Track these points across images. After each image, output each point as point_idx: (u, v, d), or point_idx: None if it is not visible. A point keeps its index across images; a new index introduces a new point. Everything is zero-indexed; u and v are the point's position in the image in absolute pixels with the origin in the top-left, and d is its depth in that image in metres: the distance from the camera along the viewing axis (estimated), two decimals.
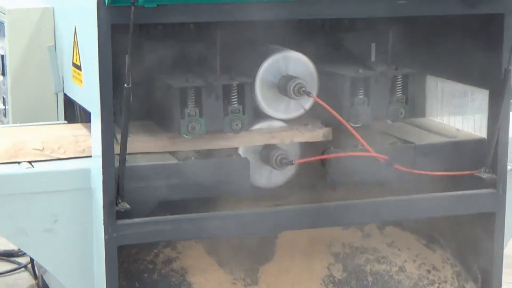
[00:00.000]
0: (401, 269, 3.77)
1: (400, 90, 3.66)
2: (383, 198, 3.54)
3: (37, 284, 5.08)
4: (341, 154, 3.47)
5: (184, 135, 3.33)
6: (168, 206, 3.27)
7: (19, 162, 3.30)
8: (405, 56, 3.92)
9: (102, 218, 3.05)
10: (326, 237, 3.88)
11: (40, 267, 4.71)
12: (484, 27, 3.50)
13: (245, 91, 3.38)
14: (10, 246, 5.53)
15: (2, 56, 4.08)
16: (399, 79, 3.64)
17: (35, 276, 5.18)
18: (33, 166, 3.25)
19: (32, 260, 5.03)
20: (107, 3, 2.79)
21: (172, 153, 3.46)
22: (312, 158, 3.58)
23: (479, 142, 3.72)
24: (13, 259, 5.52)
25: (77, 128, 3.74)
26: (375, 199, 3.54)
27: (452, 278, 3.80)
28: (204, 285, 3.56)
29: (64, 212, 3.21)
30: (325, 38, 3.77)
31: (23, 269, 5.42)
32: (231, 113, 3.33)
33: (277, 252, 3.75)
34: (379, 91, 3.59)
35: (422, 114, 4.24)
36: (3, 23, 4.00)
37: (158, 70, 3.47)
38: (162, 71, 3.47)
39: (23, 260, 5.42)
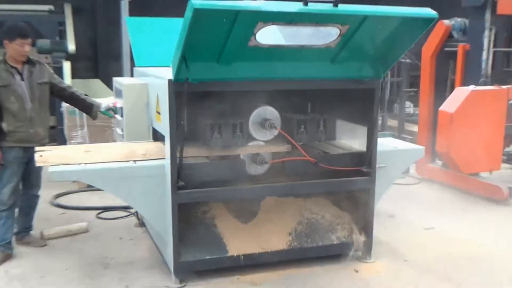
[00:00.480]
0: (323, 217, 4.56)
1: (323, 126, 4.44)
2: (313, 181, 4.34)
3: (139, 223, 5.44)
4: (291, 158, 4.26)
5: (212, 147, 4.11)
6: (203, 183, 4.01)
7: (131, 161, 4.12)
8: (326, 109, 4.59)
9: (170, 189, 3.86)
10: (289, 204, 4.62)
11: (142, 215, 5.09)
12: (365, 94, 4.27)
13: (243, 126, 4.11)
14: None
15: (122, 108, 4.69)
16: (322, 121, 4.42)
17: (138, 218, 5.53)
18: (135, 163, 4.08)
19: (136, 211, 5.26)
20: (173, 80, 3.67)
21: (205, 157, 4.24)
22: (277, 160, 4.28)
23: (362, 153, 4.45)
24: (128, 210, 5.79)
25: (159, 144, 4.44)
26: (308, 181, 4.34)
27: (349, 222, 4.57)
28: (223, 225, 4.33)
29: (152, 186, 4.00)
30: (284, 100, 4.31)
31: (132, 215, 5.69)
32: (236, 137, 4.10)
33: (260, 209, 4.53)
34: (312, 126, 4.37)
35: (333, 138, 4.88)
36: (121, 91, 4.65)
37: (200, 114, 4.10)
38: (202, 114, 4.10)
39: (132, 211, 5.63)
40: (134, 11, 8.61)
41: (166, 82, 3.76)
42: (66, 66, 8.25)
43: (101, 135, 6.72)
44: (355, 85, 4.26)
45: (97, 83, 9.76)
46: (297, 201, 4.67)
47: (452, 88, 7.24)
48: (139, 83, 4.66)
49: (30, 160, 4.51)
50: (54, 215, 5.78)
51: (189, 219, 4.27)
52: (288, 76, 4.06)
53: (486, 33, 6.44)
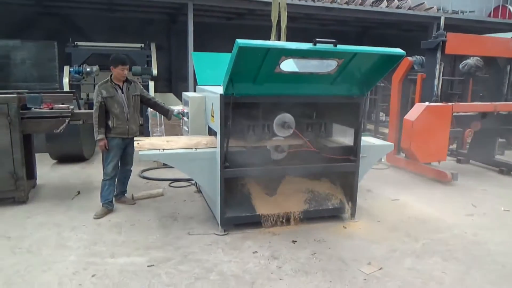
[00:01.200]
0: (323, 191, 4.51)
1: (324, 127, 4.47)
2: (317, 165, 4.23)
3: (197, 190, 5.35)
4: (302, 149, 4.25)
5: (248, 140, 4.12)
6: (241, 165, 3.97)
7: (193, 148, 4.14)
8: (326, 116, 4.53)
9: (219, 168, 3.89)
10: (298, 183, 4.57)
11: (199, 185, 5.07)
12: (353, 107, 4.16)
13: (269, 127, 4.16)
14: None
15: (188, 112, 4.72)
16: (323, 124, 4.45)
17: (196, 187, 5.43)
18: (196, 150, 4.09)
19: (195, 182, 5.25)
20: (223, 95, 3.68)
21: (243, 147, 4.17)
22: (292, 150, 4.30)
23: (350, 146, 4.34)
24: (190, 181, 5.72)
25: (213, 138, 4.41)
26: (313, 165, 4.23)
27: (340, 194, 4.50)
28: (254, 194, 4.33)
29: (207, 166, 4.01)
30: (298, 109, 4.21)
31: (192, 185, 5.61)
32: (264, 133, 4.15)
33: (279, 185, 4.47)
34: (316, 128, 4.40)
35: (331, 136, 4.71)
36: (188, 101, 4.66)
37: (241, 117, 4.01)
38: (242, 118, 4.04)
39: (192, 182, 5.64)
40: (196, 48, 8.68)
41: (219, 96, 3.76)
42: (151, 84, 8.34)
43: (173, 130, 6.76)
44: (347, 100, 4.18)
45: (171, 96, 9.84)
46: (304, 180, 4.59)
47: (412, 104, 7.11)
48: (199, 96, 4.66)
49: (126, 146, 4.65)
50: (140, 184, 5.80)
51: (231, 189, 4.23)
52: (301, 93, 4.01)
53: (437, 66, 6.26)
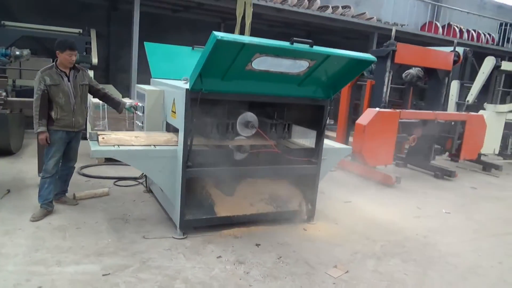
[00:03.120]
0: (283, 193, 4.43)
1: (287, 129, 4.36)
2: (278, 166, 4.18)
3: (148, 190, 5.03)
4: (265, 150, 4.15)
5: (212, 139, 3.94)
6: (203, 165, 3.80)
7: (152, 145, 3.81)
8: (287, 116, 4.46)
9: (181, 168, 3.66)
10: (258, 184, 4.39)
11: (151, 183, 4.87)
12: (316, 109, 4.19)
13: (233, 126, 3.95)
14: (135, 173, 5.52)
15: (143, 106, 4.39)
16: (285, 125, 4.33)
17: (145, 186, 5.12)
18: (156, 147, 3.79)
19: (146, 178, 5.03)
20: (190, 89, 3.44)
21: (206, 145, 4.02)
22: (255, 151, 4.18)
23: (312, 148, 4.34)
24: (136, 179, 5.45)
25: (173, 135, 4.06)
26: (275, 166, 4.17)
27: (300, 196, 4.47)
28: (214, 196, 4.15)
29: (167, 164, 3.75)
30: (260, 108, 4.16)
31: (140, 184, 5.29)
32: (228, 132, 3.95)
33: (239, 186, 4.31)
34: (278, 128, 4.27)
35: (290, 137, 4.61)
36: (144, 95, 4.32)
37: (203, 115, 3.78)
38: (205, 115, 3.81)
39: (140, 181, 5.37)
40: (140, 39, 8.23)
41: (184, 91, 3.53)
42: (91, 74, 7.65)
43: (117, 125, 6.31)
44: (312, 102, 4.15)
45: (110, 88, 9.19)
46: (264, 181, 4.46)
47: (355, 109, 7.40)
48: (157, 89, 4.34)
49: (71, 140, 4.22)
50: (81, 182, 5.32)
51: (190, 189, 3.98)
52: (269, 92, 3.89)
53: (386, 74, 6.53)
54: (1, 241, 3.48)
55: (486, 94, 8.65)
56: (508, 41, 16.77)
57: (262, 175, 4.31)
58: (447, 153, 7.60)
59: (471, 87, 8.94)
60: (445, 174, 7.31)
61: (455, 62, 7.33)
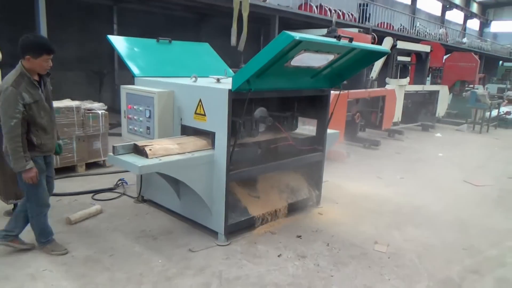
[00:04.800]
0: (293, 183, 4.58)
1: (295, 121, 4.42)
2: (291, 158, 4.21)
3: (140, 199, 4.59)
4: (282, 144, 4.22)
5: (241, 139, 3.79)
6: (240, 166, 3.62)
7: (186, 152, 3.52)
8: (293, 108, 4.38)
9: (225, 172, 3.52)
10: (273, 178, 4.30)
11: (145, 191, 4.40)
12: (321, 98, 4.32)
13: (256, 123, 3.92)
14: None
15: (150, 110, 3.87)
16: (294, 117, 4.38)
17: (138, 196, 4.62)
18: (193, 155, 3.49)
19: (140, 187, 4.50)
20: (234, 90, 3.32)
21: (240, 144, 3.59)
22: (274, 145, 4.23)
23: (314, 137, 4.51)
24: (113, 190, 4.95)
25: (198, 139, 3.72)
26: (291, 159, 4.20)
27: (305, 183, 4.67)
28: (240, 194, 4.09)
29: (204, 171, 3.57)
30: (272, 104, 4.15)
31: (123, 195, 4.80)
32: (253, 129, 3.90)
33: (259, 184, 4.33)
34: (288, 121, 4.34)
35: (296, 128, 4.54)
36: (153, 98, 3.82)
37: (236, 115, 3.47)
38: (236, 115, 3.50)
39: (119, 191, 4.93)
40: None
41: (227, 91, 3.39)
42: None
43: (66, 132, 5.44)
44: (320, 92, 4.32)
45: None
46: (277, 174, 4.49)
47: None
48: (167, 91, 3.93)
49: (47, 166, 3.33)
50: (53, 203, 4.51)
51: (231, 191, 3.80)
52: (290, 87, 3.95)
53: None
54: None
55: (385, 70, 9.95)
56: (367, 19, 19.15)
57: (283, 168, 4.36)
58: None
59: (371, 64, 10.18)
60: (372, 144, 8.31)
61: (372, 43, 8.26)
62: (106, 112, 5.93)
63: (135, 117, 4.15)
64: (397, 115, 9.64)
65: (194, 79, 4.02)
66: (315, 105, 4.49)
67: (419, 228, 4.32)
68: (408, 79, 9.85)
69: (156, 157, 3.31)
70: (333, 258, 3.54)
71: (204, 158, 3.57)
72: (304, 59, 3.58)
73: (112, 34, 9.64)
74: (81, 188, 5.01)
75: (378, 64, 9.62)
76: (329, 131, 5.03)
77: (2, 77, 4.42)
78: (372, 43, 8.23)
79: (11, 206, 4.10)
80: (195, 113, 3.76)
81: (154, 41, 4.93)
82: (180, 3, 10.68)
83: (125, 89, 4.25)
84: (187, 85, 3.87)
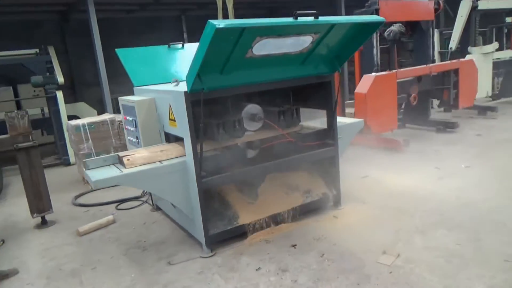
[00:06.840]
0: (302, 183, 4.15)
1: (296, 114, 3.97)
2: (296, 156, 3.83)
3: (155, 208, 4.67)
4: (278, 142, 3.87)
5: (220, 141, 3.51)
6: (218, 172, 3.45)
7: (157, 161, 3.38)
8: (295, 100, 4.20)
9: (195, 179, 3.27)
10: (275, 179, 4.04)
11: (157, 199, 4.52)
12: (323, 86, 3.87)
13: (239, 122, 3.57)
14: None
15: (134, 120, 3.88)
16: (293, 110, 3.95)
17: (152, 204, 4.73)
18: (161, 163, 3.35)
19: (150, 195, 4.72)
20: (189, 91, 3.05)
21: (215, 149, 3.62)
22: (268, 144, 3.91)
23: (325, 130, 4.07)
24: (139, 199, 5.06)
25: (176, 145, 3.62)
26: (293, 157, 3.81)
27: (320, 182, 4.22)
28: (232, 198, 3.83)
29: (177, 180, 3.37)
30: (261, 96, 3.80)
31: (145, 203, 4.89)
32: (235, 130, 3.56)
33: (261, 187, 3.98)
34: (287, 115, 3.90)
35: (299, 122, 4.12)
36: (134, 107, 3.83)
37: (207, 116, 3.41)
38: (208, 116, 3.45)
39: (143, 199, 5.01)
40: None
41: (182, 94, 3.13)
42: (60, 95, 7.11)
43: (104, 144, 5.81)
44: (318, 79, 3.80)
45: (83, 106, 8.63)
46: (281, 175, 4.11)
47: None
48: (146, 98, 3.86)
49: None
50: (79, 214, 4.87)
51: (206, 200, 3.58)
52: (271, 78, 3.51)
53: (375, 35, 6.21)
54: None
55: (466, 38, 8.48)
56: None
57: (281, 168, 3.96)
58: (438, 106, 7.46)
59: (448, 33, 8.77)
60: (447, 127, 7.14)
61: (436, 10, 7.06)
62: None
63: (129, 128, 4.17)
64: (485, 88, 8.15)
65: (175, 83, 3.87)
66: (318, 93, 3.98)
67: (453, 231, 3.49)
68: (495, 44, 8.22)
69: (134, 167, 3.25)
70: (319, 273, 3.03)
71: (175, 166, 3.38)
72: (268, 47, 3.15)
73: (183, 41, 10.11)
74: (116, 197, 5.19)
75: (457, 32, 8.28)
76: (349, 120, 4.52)
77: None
78: (436, 9, 7.01)
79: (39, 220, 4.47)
80: (169, 119, 3.60)
81: (165, 47, 4.92)
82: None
83: (120, 100, 4.29)
84: (160, 90, 3.75)
